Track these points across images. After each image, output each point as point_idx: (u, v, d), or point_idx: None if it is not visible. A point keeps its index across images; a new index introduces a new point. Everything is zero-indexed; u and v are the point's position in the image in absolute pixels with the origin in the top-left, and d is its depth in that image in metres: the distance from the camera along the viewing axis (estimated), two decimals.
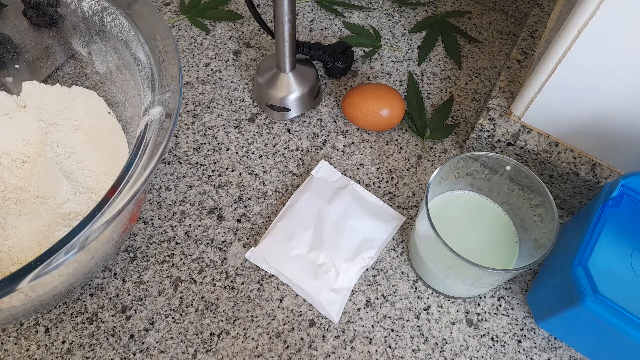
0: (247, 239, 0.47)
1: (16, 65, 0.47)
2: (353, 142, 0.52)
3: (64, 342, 0.42)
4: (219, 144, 0.52)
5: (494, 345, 0.42)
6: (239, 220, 0.47)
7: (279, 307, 0.43)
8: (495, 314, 0.43)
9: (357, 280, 0.44)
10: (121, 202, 0.30)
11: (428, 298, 0.44)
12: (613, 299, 0.34)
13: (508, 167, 0.41)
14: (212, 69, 0.58)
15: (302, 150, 0.52)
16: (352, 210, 0.46)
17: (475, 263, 0.35)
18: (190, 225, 0.47)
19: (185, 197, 0.49)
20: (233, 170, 0.51)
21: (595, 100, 0.40)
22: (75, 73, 0.49)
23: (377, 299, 0.44)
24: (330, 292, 0.43)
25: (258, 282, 0.44)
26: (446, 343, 0.42)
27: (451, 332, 0.42)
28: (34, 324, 0.42)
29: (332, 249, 0.44)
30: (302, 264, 0.44)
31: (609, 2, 0.33)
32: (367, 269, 0.45)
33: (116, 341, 0.42)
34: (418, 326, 0.43)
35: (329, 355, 0.41)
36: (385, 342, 0.42)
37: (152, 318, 0.43)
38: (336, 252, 0.44)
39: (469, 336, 0.42)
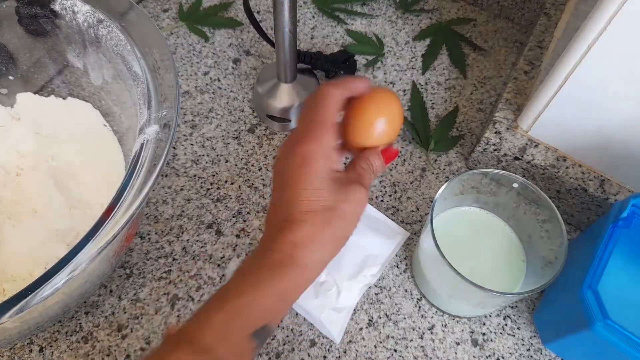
0: (247, 255, 0.45)
1: (10, 77, 0.46)
2: None
3: None
4: (217, 155, 0.51)
5: None
6: (237, 236, 0.46)
7: (278, 327, 0.42)
8: (501, 333, 0.42)
9: (360, 299, 0.43)
10: (115, 228, 0.29)
11: (432, 317, 0.43)
12: (623, 324, 0.33)
13: (515, 185, 0.40)
14: (211, 78, 0.56)
15: None
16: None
17: (481, 286, 0.34)
18: (188, 240, 0.46)
19: (182, 211, 0.48)
20: (232, 183, 0.49)
21: (604, 115, 0.39)
22: (71, 82, 0.47)
23: (380, 318, 0.43)
24: (331, 311, 0.42)
25: None
26: None
27: (456, 353, 0.41)
28: (28, 343, 0.41)
29: (333, 266, 0.43)
30: None
31: (620, 17, 0.32)
32: (369, 287, 0.44)
33: None
34: (422, 346, 0.42)
35: None
36: None
37: (149, 337, 0.42)
38: (337, 269, 0.43)
39: (474, 357, 0.41)
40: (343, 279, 0.43)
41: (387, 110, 0.35)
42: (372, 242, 0.45)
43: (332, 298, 0.42)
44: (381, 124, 0.34)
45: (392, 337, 0.42)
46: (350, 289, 0.43)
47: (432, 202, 0.38)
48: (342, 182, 0.32)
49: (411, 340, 0.42)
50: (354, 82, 0.34)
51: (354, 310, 0.43)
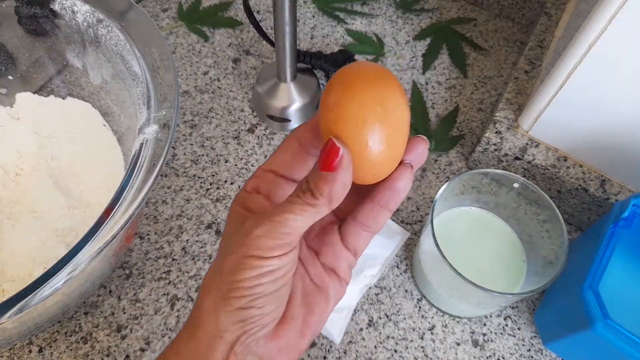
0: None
1: (9, 77, 0.46)
2: None
3: None
4: (217, 155, 0.51)
5: None
6: None
7: None
8: (501, 334, 0.42)
9: (360, 299, 0.43)
10: (114, 228, 0.29)
11: (432, 317, 0.43)
12: (624, 324, 0.33)
13: (516, 185, 0.39)
14: (210, 78, 0.56)
15: None
16: None
17: (482, 286, 0.34)
18: (187, 240, 0.46)
19: (182, 211, 0.47)
20: (232, 183, 0.49)
21: (605, 115, 0.39)
22: (70, 82, 0.47)
23: (380, 318, 0.43)
24: None
25: None
26: None
27: (456, 353, 0.41)
28: (27, 344, 0.41)
29: None
30: None
31: (621, 17, 0.32)
32: (369, 287, 0.44)
33: None
34: (422, 347, 0.42)
35: None
36: None
37: (148, 338, 0.42)
38: None
39: (474, 357, 0.41)
40: None
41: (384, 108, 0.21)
42: (372, 242, 0.45)
43: None
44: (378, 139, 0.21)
45: (393, 337, 0.42)
46: (349, 289, 0.43)
47: (432, 202, 0.38)
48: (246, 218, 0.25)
49: (411, 341, 0.42)
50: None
51: (354, 310, 0.43)
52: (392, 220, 0.47)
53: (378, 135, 0.21)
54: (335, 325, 0.41)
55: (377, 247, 0.45)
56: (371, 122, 0.20)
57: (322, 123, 0.22)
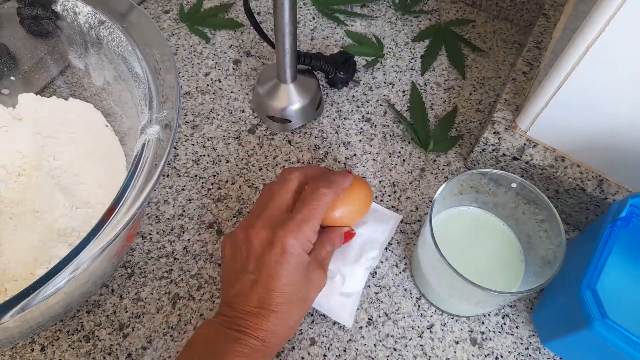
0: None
1: (12, 77, 0.46)
2: (355, 155, 0.52)
3: None
4: (218, 155, 0.51)
5: None
6: None
7: None
8: (499, 332, 0.43)
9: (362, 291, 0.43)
10: (116, 228, 0.29)
11: (431, 316, 0.43)
12: (622, 323, 0.33)
13: (514, 185, 0.40)
14: (211, 79, 0.57)
15: (303, 163, 0.51)
16: None
17: (480, 285, 0.34)
18: (189, 240, 0.46)
19: (184, 211, 0.48)
20: (233, 183, 0.50)
21: (603, 115, 0.39)
22: (72, 83, 0.48)
23: (380, 317, 0.43)
24: (339, 296, 0.42)
25: None
26: None
27: (455, 352, 0.42)
28: (29, 342, 0.42)
29: (335, 255, 0.43)
30: None
31: (618, 18, 0.33)
32: (369, 286, 0.44)
33: None
34: (421, 345, 0.42)
35: None
36: None
37: (150, 336, 0.42)
38: (338, 257, 0.43)
39: (472, 356, 0.41)
40: (346, 265, 0.43)
41: (352, 198, 0.41)
42: (368, 227, 0.46)
43: (338, 284, 0.43)
44: (344, 211, 0.41)
45: (392, 336, 0.42)
46: (353, 273, 0.43)
47: (431, 202, 0.39)
48: (310, 269, 0.36)
49: (410, 339, 0.42)
50: (344, 182, 0.40)
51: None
52: (384, 207, 0.48)
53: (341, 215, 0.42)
54: (346, 309, 0.42)
55: (373, 231, 0.45)
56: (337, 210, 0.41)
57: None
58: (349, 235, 0.42)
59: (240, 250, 0.37)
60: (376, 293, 0.44)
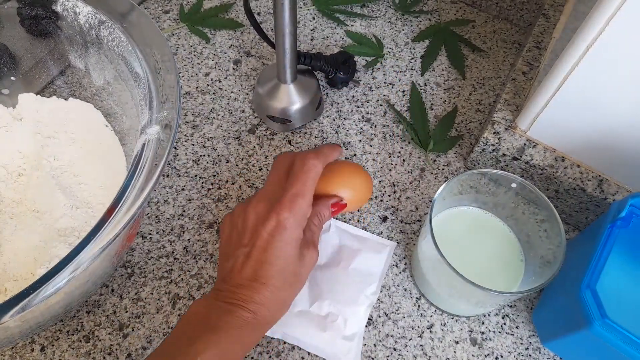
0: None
1: (12, 78, 0.46)
2: (355, 155, 0.52)
3: None
4: (218, 155, 0.51)
5: None
6: None
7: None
8: (499, 332, 0.43)
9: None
10: (116, 228, 0.29)
11: (431, 316, 0.43)
12: (622, 323, 0.33)
13: (514, 185, 0.40)
14: (212, 79, 0.57)
15: None
16: (342, 251, 0.45)
17: (480, 285, 0.34)
18: (189, 240, 0.46)
19: (184, 211, 0.48)
20: (233, 183, 0.50)
21: (603, 115, 0.39)
22: (73, 83, 0.48)
23: (380, 317, 0.43)
24: (342, 341, 0.41)
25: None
26: None
27: (455, 352, 0.42)
28: (29, 342, 0.42)
29: (333, 296, 0.43)
30: (307, 320, 0.42)
31: (618, 18, 0.33)
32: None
33: None
34: (421, 345, 0.42)
35: None
36: None
37: (150, 336, 0.42)
38: (338, 298, 0.43)
39: (472, 356, 0.41)
40: (346, 306, 0.42)
41: (349, 183, 0.41)
42: (362, 261, 0.45)
43: (340, 328, 0.42)
44: (345, 195, 0.41)
45: (392, 336, 0.42)
46: (355, 313, 0.42)
47: (431, 202, 0.39)
48: (302, 246, 0.37)
49: (410, 339, 0.42)
50: (332, 152, 0.40)
51: None
52: (376, 234, 0.47)
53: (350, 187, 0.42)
54: (350, 354, 0.41)
55: (368, 264, 0.45)
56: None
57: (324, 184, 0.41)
58: (339, 207, 0.41)
59: (237, 225, 0.37)
60: None
